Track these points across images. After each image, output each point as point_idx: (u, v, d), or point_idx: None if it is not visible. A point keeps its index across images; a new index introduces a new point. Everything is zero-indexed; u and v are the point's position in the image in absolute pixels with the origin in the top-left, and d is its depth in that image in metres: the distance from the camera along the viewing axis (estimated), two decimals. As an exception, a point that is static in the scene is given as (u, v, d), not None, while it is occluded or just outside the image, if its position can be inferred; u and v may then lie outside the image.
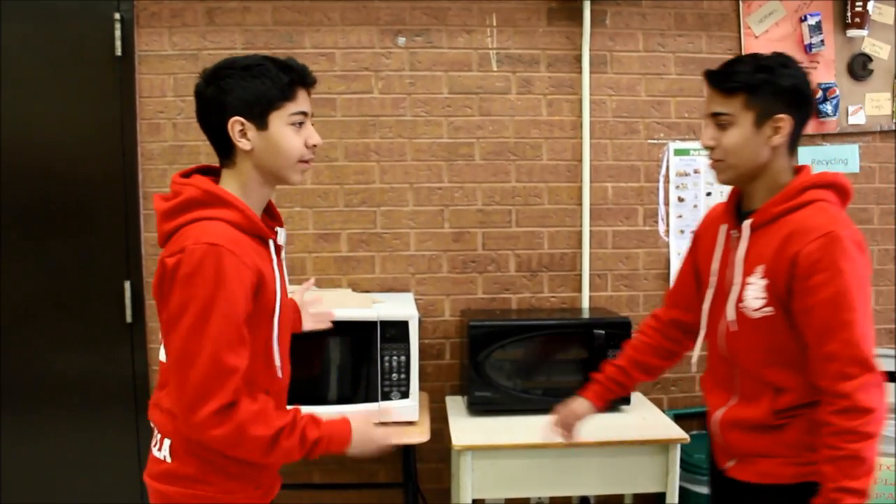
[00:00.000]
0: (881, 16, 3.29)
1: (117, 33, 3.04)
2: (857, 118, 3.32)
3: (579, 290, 3.28)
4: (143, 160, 3.10)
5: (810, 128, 3.28)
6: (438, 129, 3.20)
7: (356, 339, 2.73)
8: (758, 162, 1.86)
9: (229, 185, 1.72)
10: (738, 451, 1.95)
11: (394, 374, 2.71)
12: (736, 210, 1.98)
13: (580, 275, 3.28)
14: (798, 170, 1.92)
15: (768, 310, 1.83)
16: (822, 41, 3.25)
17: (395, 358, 2.71)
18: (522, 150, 3.22)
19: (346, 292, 3.00)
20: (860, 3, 3.21)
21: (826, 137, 3.33)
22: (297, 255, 3.17)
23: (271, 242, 1.75)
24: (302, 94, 1.72)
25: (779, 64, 1.85)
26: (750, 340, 1.89)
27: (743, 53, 3.24)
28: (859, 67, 3.30)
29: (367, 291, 3.13)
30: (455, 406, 3.02)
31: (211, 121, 1.69)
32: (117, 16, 3.03)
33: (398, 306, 2.83)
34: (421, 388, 2.83)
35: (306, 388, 2.73)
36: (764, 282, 1.83)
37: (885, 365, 3.09)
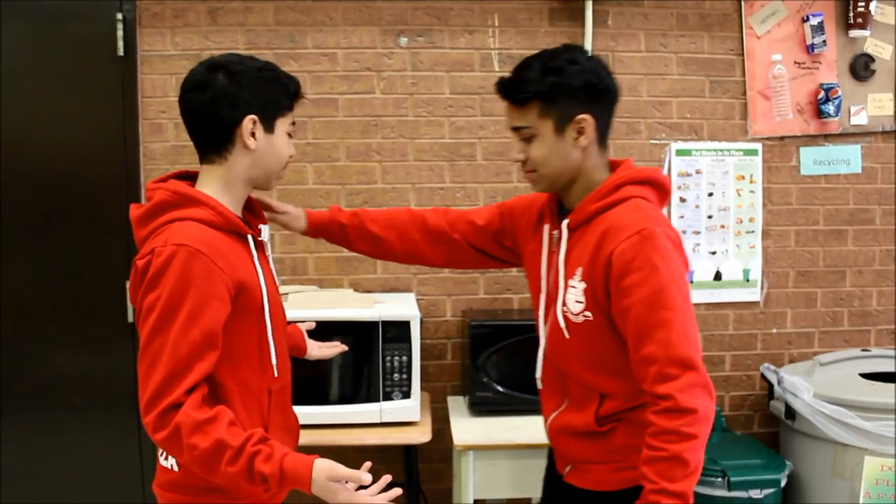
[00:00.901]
0: (883, 16, 3.28)
1: (119, 33, 3.04)
2: (860, 119, 3.32)
3: (581, 290, 3.28)
4: (146, 160, 3.10)
5: (813, 128, 3.29)
6: (440, 130, 3.20)
7: (358, 340, 2.72)
8: (570, 167, 1.79)
9: (210, 181, 1.70)
10: (571, 458, 1.92)
11: (395, 375, 2.72)
12: (558, 208, 1.90)
13: (582, 275, 3.27)
14: (614, 165, 1.85)
15: (588, 314, 1.77)
16: (824, 41, 3.25)
17: (396, 358, 2.72)
18: (524, 151, 3.22)
19: (348, 292, 3.01)
20: (862, 4, 3.20)
21: (828, 138, 3.32)
22: (298, 256, 3.17)
23: (251, 238, 1.73)
24: (297, 106, 1.77)
25: (567, 62, 1.76)
26: (575, 345, 1.82)
27: (745, 53, 3.25)
28: (861, 68, 3.30)
29: (369, 291, 3.13)
30: (457, 406, 3.02)
31: (220, 112, 1.66)
32: (119, 16, 3.03)
33: (400, 306, 2.83)
34: (422, 389, 2.83)
35: (308, 387, 2.73)
36: (583, 285, 1.76)
37: (885, 365, 3.10)
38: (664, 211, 1.81)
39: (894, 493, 2.83)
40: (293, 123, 1.77)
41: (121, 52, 3.05)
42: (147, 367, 1.55)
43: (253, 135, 1.67)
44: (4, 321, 3.09)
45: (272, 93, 1.69)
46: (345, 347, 2.21)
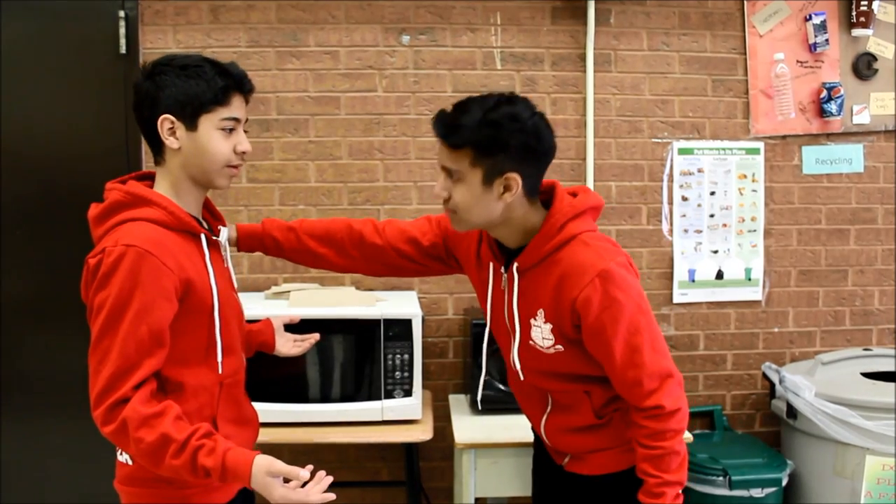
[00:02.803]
0: (886, 15, 3.28)
1: (122, 31, 3.04)
2: (862, 118, 3.31)
3: (583, 288, 3.28)
4: (147, 157, 3.09)
5: (815, 127, 3.28)
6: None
7: (359, 338, 2.73)
8: (492, 216, 1.79)
9: (161, 184, 1.74)
10: (571, 451, 2.00)
11: (397, 373, 2.72)
12: (497, 246, 1.91)
13: (583, 274, 3.27)
14: (548, 200, 1.84)
15: (559, 347, 1.85)
16: (826, 40, 3.25)
17: (398, 356, 2.72)
18: (526, 149, 3.22)
19: (350, 290, 3.01)
20: (865, 3, 3.20)
21: (830, 137, 3.32)
22: (300, 253, 3.17)
23: (203, 238, 1.75)
24: (237, 101, 1.73)
25: (507, 117, 1.72)
26: (545, 368, 1.91)
27: (747, 52, 3.25)
28: (864, 67, 3.29)
29: (371, 290, 3.13)
30: (458, 404, 3.02)
31: (143, 115, 1.71)
32: (122, 13, 3.04)
33: (401, 305, 2.83)
34: (424, 387, 2.83)
35: (310, 386, 2.73)
36: (549, 325, 1.84)
37: (887, 364, 3.10)
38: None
39: (894, 493, 2.83)
40: (235, 119, 1.72)
41: (123, 49, 3.05)
42: (97, 363, 1.60)
43: (174, 134, 1.69)
44: (5, 319, 3.09)
45: (191, 90, 1.67)
46: (317, 336, 2.20)
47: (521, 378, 1.97)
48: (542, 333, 1.86)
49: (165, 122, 1.68)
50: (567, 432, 1.96)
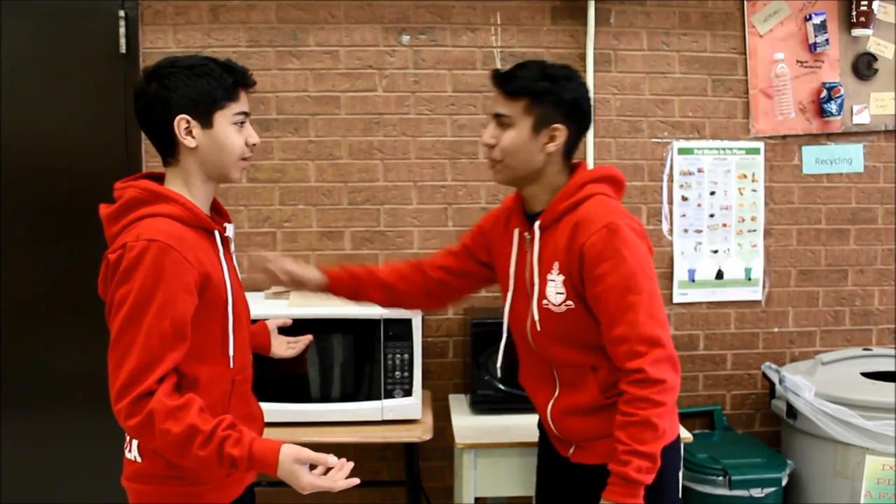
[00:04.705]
0: (886, 15, 3.28)
1: (122, 31, 3.04)
2: (862, 118, 3.31)
3: (582, 288, 3.28)
4: (148, 157, 3.10)
5: (815, 127, 3.28)
6: (442, 128, 3.19)
7: (359, 337, 2.73)
8: (532, 166, 1.96)
9: (173, 183, 1.76)
10: (576, 438, 2.03)
11: (397, 372, 2.72)
12: (524, 214, 2.05)
13: (583, 273, 3.28)
14: (574, 168, 2.02)
15: (570, 303, 1.93)
16: (826, 40, 3.25)
17: (398, 356, 2.72)
18: (526, 149, 3.22)
19: (350, 290, 3.00)
20: (865, 3, 3.20)
21: (830, 137, 3.32)
22: (300, 253, 3.17)
23: (217, 235, 1.77)
24: (243, 95, 1.78)
25: (563, 76, 1.94)
26: (557, 332, 1.97)
27: (747, 52, 3.25)
28: (864, 67, 3.29)
29: (371, 289, 3.13)
30: (458, 404, 3.02)
31: (154, 118, 1.72)
32: (122, 13, 3.04)
33: (401, 304, 2.83)
34: (424, 386, 2.82)
35: (310, 386, 2.73)
36: (562, 277, 1.93)
37: (887, 364, 3.10)
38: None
39: (894, 493, 2.83)
40: (244, 113, 1.77)
41: (123, 49, 3.05)
42: (119, 357, 1.61)
43: (190, 133, 1.71)
44: (6, 318, 3.09)
45: (203, 88, 1.70)
46: (310, 338, 2.28)
47: (533, 347, 2.02)
48: (555, 288, 1.93)
49: (182, 121, 1.70)
50: (573, 415, 2.00)
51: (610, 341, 1.87)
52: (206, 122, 1.72)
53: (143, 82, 1.73)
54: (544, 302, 1.96)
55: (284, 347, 2.24)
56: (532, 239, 2.00)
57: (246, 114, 1.78)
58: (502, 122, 1.95)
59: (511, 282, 2.06)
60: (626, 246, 1.85)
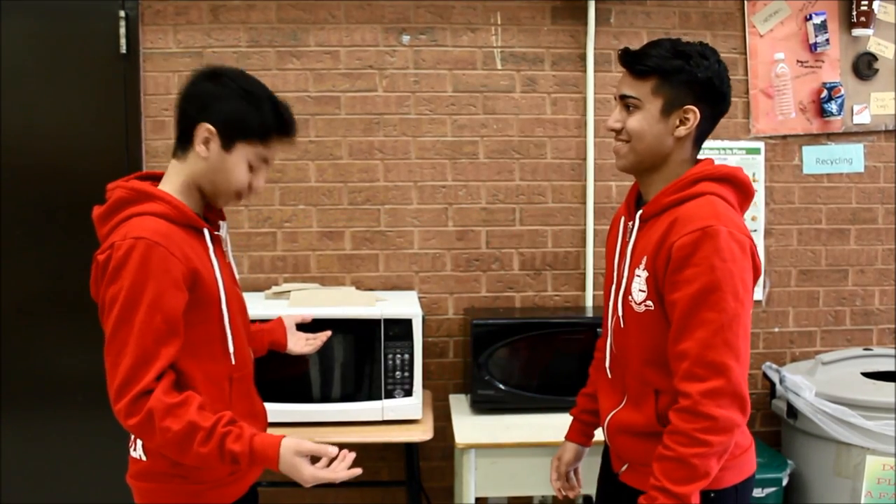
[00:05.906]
0: (886, 15, 3.28)
1: (122, 31, 3.04)
2: (862, 117, 3.31)
3: (583, 288, 3.28)
4: (148, 157, 3.11)
5: (815, 127, 3.28)
6: (443, 128, 3.19)
7: (360, 338, 2.73)
8: (660, 151, 1.77)
9: (171, 177, 1.76)
10: (628, 457, 1.89)
11: (397, 372, 2.72)
12: (637, 201, 1.90)
13: (584, 273, 3.28)
14: (699, 163, 1.83)
15: (649, 303, 1.75)
16: (827, 40, 3.25)
17: (398, 356, 2.72)
18: (526, 149, 3.22)
19: (350, 290, 3.01)
20: (866, 3, 3.20)
21: (831, 137, 3.32)
22: (301, 253, 3.17)
23: (206, 233, 1.77)
24: (276, 143, 1.77)
25: (697, 53, 1.75)
26: (634, 336, 1.81)
27: (747, 52, 3.25)
28: (864, 67, 3.29)
29: (371, 289, 3.13)
30: (458, 404, 3.02)
31: (189, 111, 1.73)
32: (122, 13, 3.04)
33: (402, 304, 2.83)
34: (424, 386, 2.83)
35: (310, 385, 2.73)
36: (646, 274, 1.75)
37: (887, 364, 3.10)
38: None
39: (894, 493, 2.83)
40: (266, 161, 1.76)
41: (123, 49, 3.05)
42: (114, 356, 1.61)
43: (207, 144, 1.71)
44: (5, 318, 3.09)
45: (242, 115, 1.70)
46: (329, 333, 2.25)
47: (614, 348, 1.88)
48: (639, 285, 1.76)
49: (205, 130, 1.70)
50: (627, 434, 1.85)
51: (673, 355, 1.68)
52: (228, 144, 1.71)
53: (203, 75, 1.74)
54: (629, 297, 1.80)
55: (303, 344, 2.21)
56: (632, 229, 1.83)
57: (267, 161, 1.77)
58: (628, 103, 1.78)
59: (614, 272, 1.88)
60: (720, 256, 1.63)
